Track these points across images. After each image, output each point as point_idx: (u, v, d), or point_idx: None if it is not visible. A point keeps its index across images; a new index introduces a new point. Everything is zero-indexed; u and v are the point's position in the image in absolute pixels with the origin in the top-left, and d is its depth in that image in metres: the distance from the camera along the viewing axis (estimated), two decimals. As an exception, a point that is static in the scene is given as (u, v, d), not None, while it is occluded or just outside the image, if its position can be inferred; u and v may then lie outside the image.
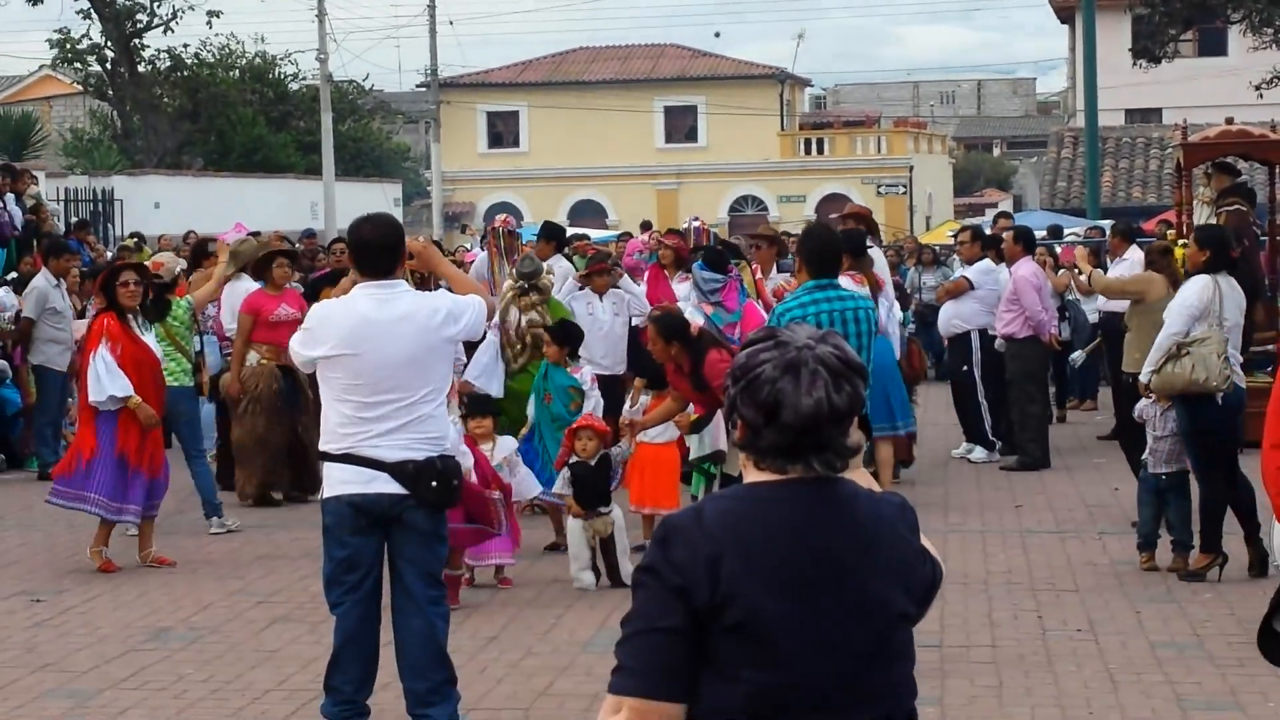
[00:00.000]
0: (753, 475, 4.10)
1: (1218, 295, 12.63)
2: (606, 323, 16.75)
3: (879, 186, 69.48)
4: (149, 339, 13.95)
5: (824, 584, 3.99)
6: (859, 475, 4.28)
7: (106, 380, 13.46)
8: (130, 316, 13.79)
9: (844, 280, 14.51)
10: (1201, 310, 12.60)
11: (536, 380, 14.31)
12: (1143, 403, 13.11)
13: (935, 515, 15.47)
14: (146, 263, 15.77)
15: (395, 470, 8.27)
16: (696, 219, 21.33)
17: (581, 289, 17.25)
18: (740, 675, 3.97)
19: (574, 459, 12.72)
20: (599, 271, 17.08)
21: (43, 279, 19.07)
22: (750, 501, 4.06)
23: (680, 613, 3.95)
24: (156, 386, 13.84)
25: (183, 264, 16.36)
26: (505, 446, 12.80)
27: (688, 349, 12.24)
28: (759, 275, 17.94)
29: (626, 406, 14.72)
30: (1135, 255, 19.47)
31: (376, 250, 8.42)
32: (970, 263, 19.52)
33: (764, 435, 4.04)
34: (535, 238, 19.98)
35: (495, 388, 15.05)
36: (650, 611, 3.99)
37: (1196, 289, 12.74)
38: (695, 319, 14.59)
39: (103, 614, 12.24)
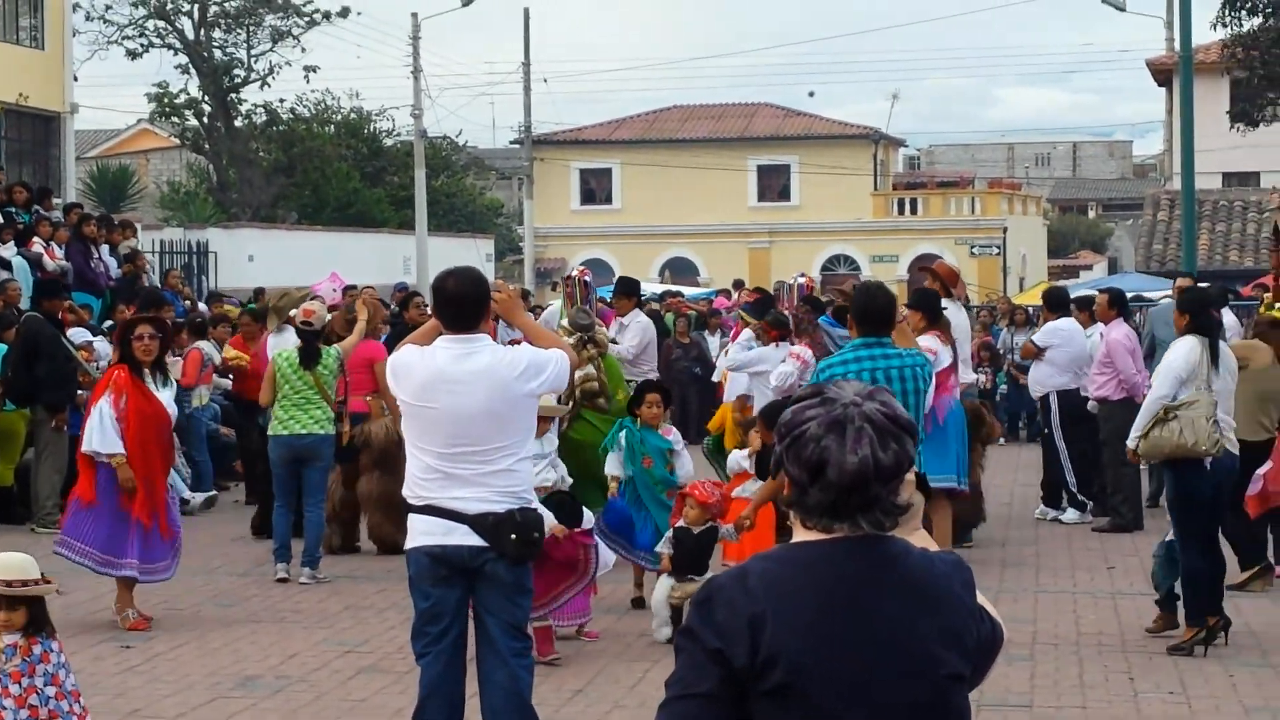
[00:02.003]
0: (800, 534, 4.03)
1: (1205, 358, 12.27)
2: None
3: (973, 247, 69.22)
4: (164, 395, 13.65)
5: (870, 643, 3.90)
6: (916, 536, 4.21)
7: (97, 434, 13.35)
8: (145, 371, 13.56)
9: (926, 339, 14.46)
10: (1189, 373, 12.22)
11: (632, 442, 14.07)
12: None
13: (1026, 575, 15.37)
14: (295, 311, 15.83)
15: (475, 522, 8.26)
16: (802, 275, 21.06)
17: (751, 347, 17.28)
18: None
19: (680, 524, 12.69)
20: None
21: (138, 329, 19.14)
22: (794, 561, 3.99)
23: (715, 677, 3.89)
24: (162, 444, 13.60)
25: (328, 316, 16.28)
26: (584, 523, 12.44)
27: None
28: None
29: (735, 454, 14.57)
30: (1228, 320, 19.38)
31: (459, 303, 8.42)
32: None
33: (810, 494, 3.97)
34: (612, 294, 19.93)
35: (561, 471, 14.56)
36: (686, 677, 3.93)
37: (1183, 351, 12.37)
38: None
39: (191, 661, 12.27)
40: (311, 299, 16.31)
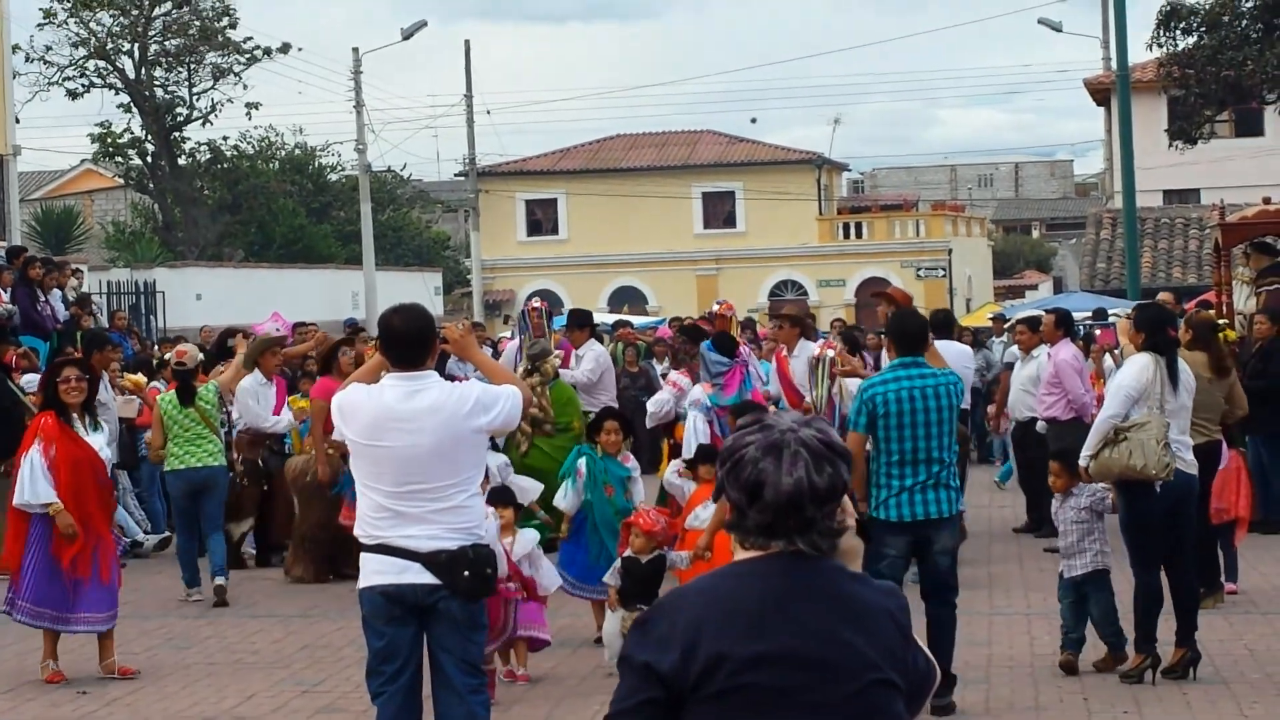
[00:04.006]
0: (740, 555, 4.24)
1: (1159, 377, 11.99)
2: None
3: (918, 269, 69.48)
4: (96, 438, 13.34)
5: (803, 648, 4.09)
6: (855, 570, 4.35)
7: (28, 485, 13.00)
8: (74, 415, 13.25)
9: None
10: (1140, 392, 11.95)
11: (594, 470, 14.09)
12: (1054, 503, 12.77)
13: (980, 597, 15.42)
14: (168, 355, 16.27)
15: (428, 560, 8.27)
16: (721, 302, 21.38)
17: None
18: None
19: (628, 553, 12.69)
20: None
21: (84, 371, 19.12)
22: (732, 574, 4.21)
23: (645, 692, 4.10)
24: (99, 486, 13.25)
25: (202, 355, 17.39)
26: (526, 540, 12.44)
27: None
28: (783, 353, 18.03)
29: (668, 473, 14.77)
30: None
31: (406, 341, 8.45)
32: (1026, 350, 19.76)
33: (749, 515, 4.18)
34: (565, 327, 20.09)
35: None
36: (621, 694, 4.16)
37: (1135, 370, 12.10)
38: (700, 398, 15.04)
39: (148, 705, 12.24)
40: (184, 343, 17.15)
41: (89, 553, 13.07)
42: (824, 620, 4.11)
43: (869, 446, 11.33)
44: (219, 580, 16.32)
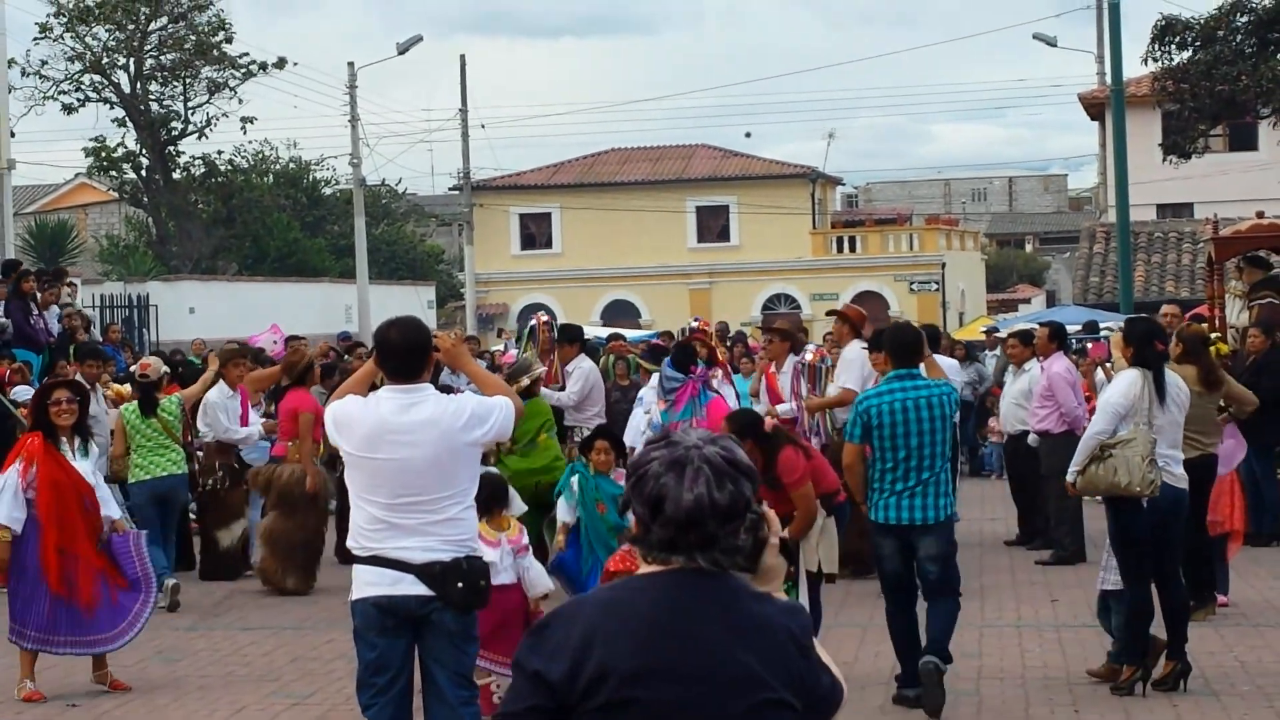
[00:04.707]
0: (644, 569, 4.27)
1: (1147, 392, 11.96)
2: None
3: (912, 284, 69.48)
4: (83, 464, 12.95)
5: (693, 664, 4.11)
6: (773, 591, 4.37)
7: None
8: (63, 438, 12.91)
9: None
10: (1128, 408, 11.94)
11: (585, 487, 14.08)
12: None
13: (971, 609, 15.38)
14: (134, 367, 16.39)
15: (421, 572, 8.27)
16: (697, 319, 21.60)
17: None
18: None
19: None
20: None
21: (76, 384, 19.16)
22: (629, 588, 4.25)
23: (532, 699, 4.14)
24: (83, 510, 12.83)
25: (166, 368, 18.01)
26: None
27: (760, 446, 12.03)
28: (771, 368, 18.10)
29: None
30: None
31: (402, 354, 8.45)
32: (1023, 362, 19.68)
33: (653, 530, 4.22)
34: (556, 341, 20.16)
35: None
36: (510, 698, 4.21)
37: (1122, 386, 12.08)
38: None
39: (138, 718, 12.22)
40: (148, 356, 17.45)
41: (75, 576, 12.78)
42: (716, 637, 4.13)
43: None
44: (170, 580, 16.60)
